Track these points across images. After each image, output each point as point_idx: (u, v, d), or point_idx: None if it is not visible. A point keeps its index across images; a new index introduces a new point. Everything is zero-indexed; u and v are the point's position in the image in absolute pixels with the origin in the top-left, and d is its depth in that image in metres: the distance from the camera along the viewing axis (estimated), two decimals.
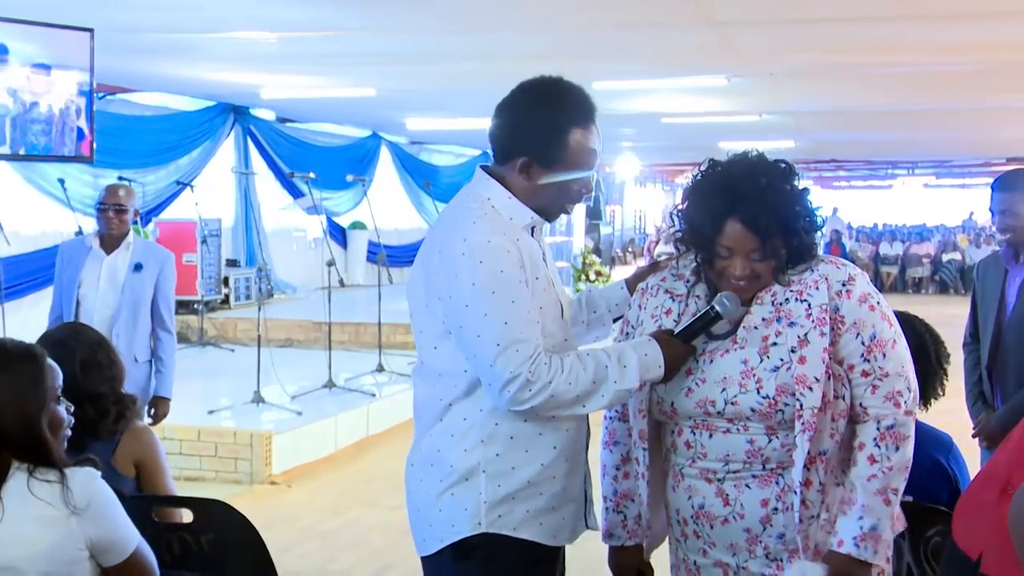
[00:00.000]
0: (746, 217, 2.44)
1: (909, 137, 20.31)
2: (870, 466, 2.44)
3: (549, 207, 2.67)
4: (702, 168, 2.57)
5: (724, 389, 2.47)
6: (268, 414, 8.09)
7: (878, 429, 2.45)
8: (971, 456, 4.24)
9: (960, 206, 41.21)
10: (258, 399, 8.20)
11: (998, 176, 4.41)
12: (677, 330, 2.57)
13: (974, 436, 4.35)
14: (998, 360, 4.26)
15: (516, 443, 2.58)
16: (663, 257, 2.67)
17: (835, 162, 28.85)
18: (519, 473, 2.58)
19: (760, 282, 2.50)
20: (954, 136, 20.35)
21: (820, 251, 2.62)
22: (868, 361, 2.46)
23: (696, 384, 2.52)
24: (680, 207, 2.61)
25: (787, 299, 2.48)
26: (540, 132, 2.59)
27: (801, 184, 2.54)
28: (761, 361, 2.45)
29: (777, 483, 2.46)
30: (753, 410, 2.43)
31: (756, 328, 2.49)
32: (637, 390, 2.55)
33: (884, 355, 2.47)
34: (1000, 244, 4.37)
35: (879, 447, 2.44)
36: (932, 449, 3.08)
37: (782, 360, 2.43)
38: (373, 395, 8.93)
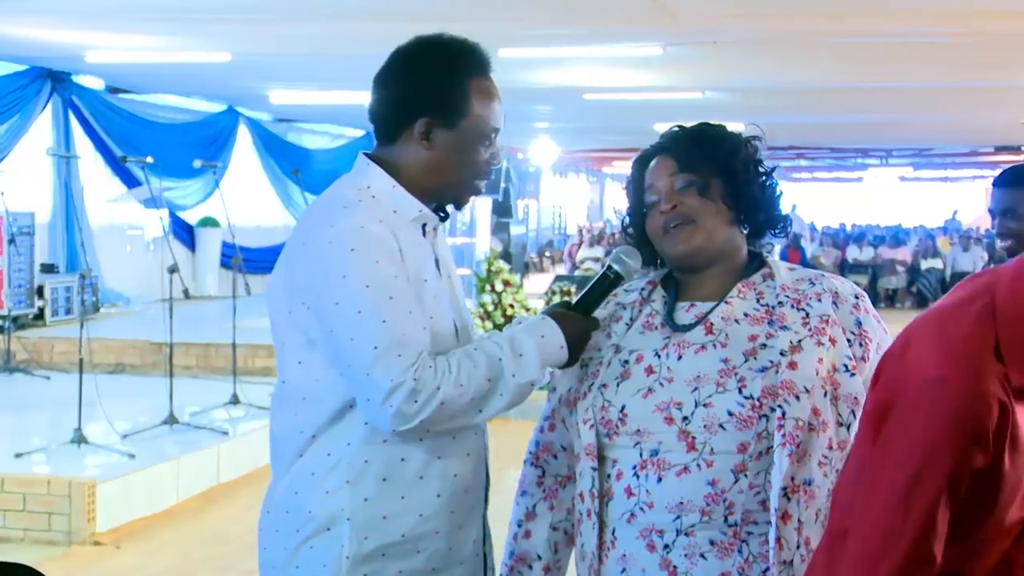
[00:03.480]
0: (668, 148, 2.66)
1: (882, 120, 20.77)
2: None
3: (454, 184, 2.71)
4: None
5: (696, 389, 2.46)
6: (92, 457, 7.94)
7: None
8: None
9: (942, 203, 42.24)
10: (79, 439, 8.06)
11: (1003, 170, 4.50)
12: (574, 301, 2.66)
13: None
14: None
15: (390, 487, 2.57)
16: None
17: (794, 149, 29.37)
18: (392, 524, 2.57)
19: (697, 229, 2.57)
20: (935, 120, 20.86)
21: (776, 255, 2.69)
22: None
23: (660, 384, 2.51)
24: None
25: (781, 303, 2.54)
26: (437, 86, 2.64)
27: (757, 153, 2.69)
28: (746, 361, 2.48)
29: (740, 552, 2.42)
30: (731, 414, 2.42)
31: (738, 322, 2.53)
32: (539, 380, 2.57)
33: None
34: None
35: None
36: None
37: (772, 362, 2.46)
38: (225, 433, 8.84)
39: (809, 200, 39.52)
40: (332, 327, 2.49)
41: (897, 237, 27.23)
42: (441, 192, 2.71)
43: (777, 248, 2.79)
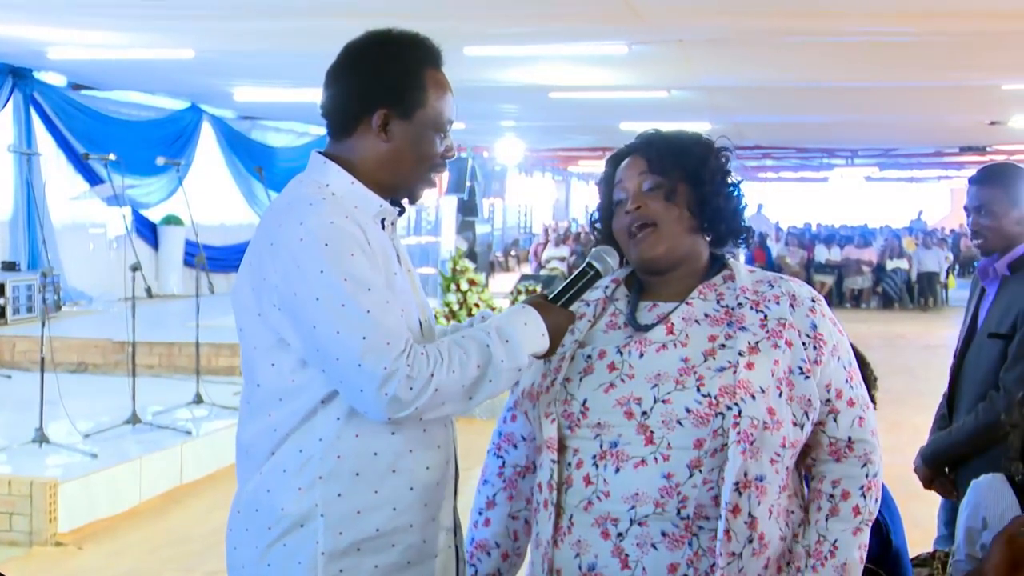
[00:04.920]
0: (641, 149, 2.73)
1: (847, 120, 20.86)
2: (854, 518, 2.61)
3: (410, 177, 2.72)
4: None
5: (656, 385, 2.54)
6: (54, 457, 7.91)
7: (867, 476, 2.62)
8: (920, 504, 4.40)
9: (908, 203, 42.47)
10: (41, 438, 8.03)
11: (979, 168, 4.56)
12: (552, 293, 2.69)
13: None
14: (956, 390, 4.42)
15: (363, 482, 2.58)
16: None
17: (759, 149, 29.47)
18: (366, 519, 2.58)
19: (660, 235, 2.65)
20: (900, 120, 20.96)
21: (741, 258, 2.75)
22: (852, 388, 2.65)
23: (621, 379, 2.58)
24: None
25: (740, 304, 2.62)
26: (394, 77, 2.67)
27: (727, 164, 2.76)
28: (705, 360, 2.56)
29: (690, 545, 2.49)
30: (688, 411, 2.49)
31: (698, 323, 2.61)
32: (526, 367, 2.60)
33: (860, 384, 2.68)
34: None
35: (865, 498, 2.62)
36: None
37: (730, 362, 2.54)
38: (189, 433, 8.81)
39: (775, 200, 39.67)
40: (315, 322, 2.48)
41: (865, 237, 27.32)
42: (397, 185, 2.72)
43: (742, 254, 2.87)
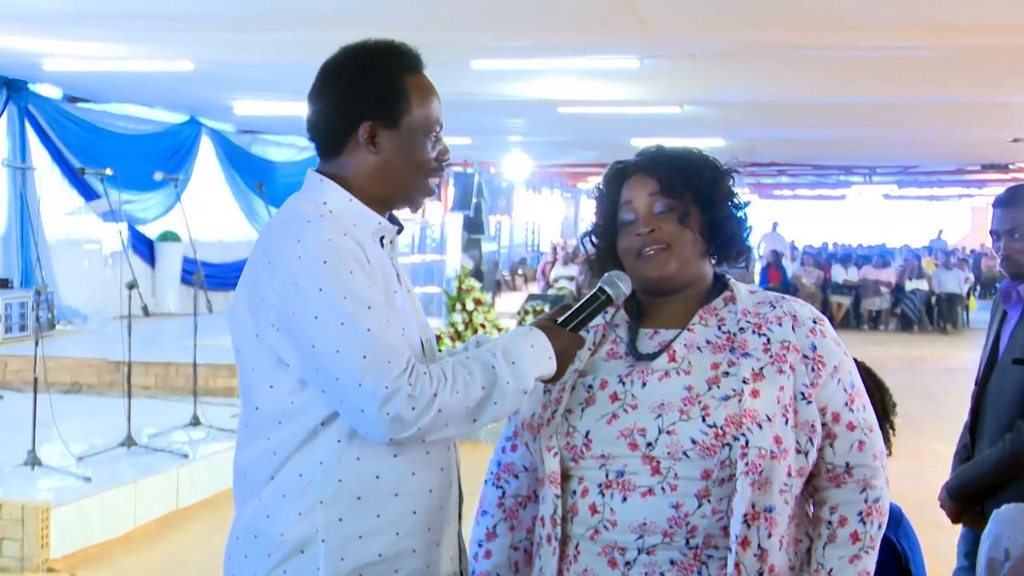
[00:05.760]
0: (649, 168, 2.70)
1: (865, 136, 20.84)
2: (852, 545, 2.58)
3: (406, 186, 2.73)
4: None
5: (660, 416, 2.53)
6: (46, 480, 7.91)
7: (866, 502, 2.60)
8: (935, 532, 4.39)
9: (927, 222, 42.42)
10: (33, 461, 8.02)
11: (1006, 189, 4.52)
12: (561, 318, 2.68)
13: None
14: (978, 418, 4.40)
15: (365, 506, 2.58)
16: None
17: (775, 166, 29.42)
18: (368, 544, 2.58)
19: (673, 256, 2.64)
20: (919, 137, 20.95)
21: (756, 278, 2.76)
22: (853, 411, 2.62)
23: (624, 410, 2.57)
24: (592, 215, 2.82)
25: (743, 328, 2.61)
26: (374, 88, 2.68)
27: (734, 186, 2.75)
28: (709, 389, 2.55)
29: (700, 573, 2.49)
30: (694, 442, 2.48)
31: (700, 350, 2.60)
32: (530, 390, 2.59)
33: (864, 407, 2.65)
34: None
35: (864, 524, 2.59)
36: None
37: (735, 391, 2.53)
38: (185, 456, 8.81)
39: (790, 218, 39.61)
40: (314, 342, 2.48)
41: (883, 257, 27.26)
42: (395, 196, 2.74)
43: (757, 268, 2.86)
